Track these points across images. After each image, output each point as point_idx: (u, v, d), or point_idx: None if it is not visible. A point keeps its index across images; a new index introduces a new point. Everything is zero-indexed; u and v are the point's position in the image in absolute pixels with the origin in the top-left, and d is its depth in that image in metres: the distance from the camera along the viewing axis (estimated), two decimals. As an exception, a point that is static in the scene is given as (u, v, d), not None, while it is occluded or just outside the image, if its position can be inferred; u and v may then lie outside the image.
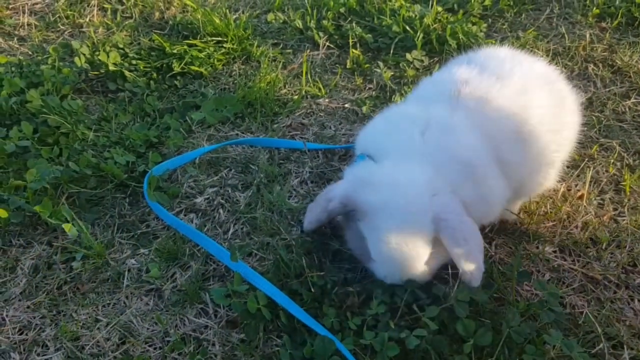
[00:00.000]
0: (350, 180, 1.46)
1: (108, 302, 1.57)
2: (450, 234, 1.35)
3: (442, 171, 1.41)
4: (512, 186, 1.55)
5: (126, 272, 1.63)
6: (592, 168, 1.97)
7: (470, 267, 1.36)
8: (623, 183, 1.92)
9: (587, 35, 2.61)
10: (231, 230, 1.76)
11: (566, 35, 2.63)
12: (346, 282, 1.58)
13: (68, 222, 1.64)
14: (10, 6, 2.86)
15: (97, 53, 2.34)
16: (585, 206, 1.85)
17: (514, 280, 1.55)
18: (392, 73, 2.40)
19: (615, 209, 1.85)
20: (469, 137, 1.47)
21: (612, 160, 2.01)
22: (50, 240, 1.72)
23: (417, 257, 1.39)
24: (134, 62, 2.34)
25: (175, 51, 2.37)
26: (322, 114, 2.24)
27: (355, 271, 1.60)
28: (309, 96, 2.31)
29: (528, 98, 1.59)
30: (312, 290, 1.52)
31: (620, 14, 2.70)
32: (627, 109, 2.24)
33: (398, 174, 1.40)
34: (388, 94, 2.32)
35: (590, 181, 1.92)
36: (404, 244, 1.36)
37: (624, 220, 1.80)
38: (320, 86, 2.33)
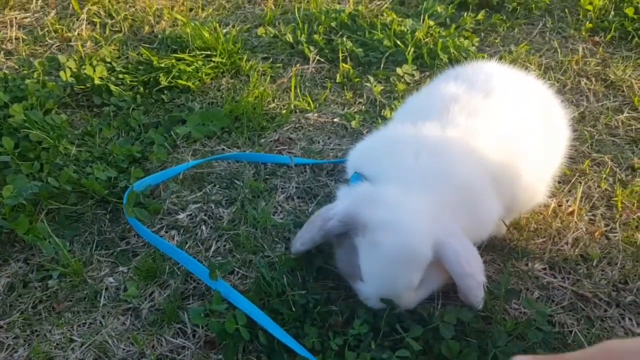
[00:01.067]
0: (352, 199, 1.42)
1: (84, 321, 1.53)
2: (453, 257, 1.33)
3: (439, 195, 1.39)
4: (504, 204, 1.52)
5: (103, 291, 1.59)
6: (583, 183, 1.93)
7: (474, 289, 1.37)
8: (615, 198, 1.88)
9: (580, 50, 2.59)
10: (213, 248, 1.72)
11: (559, 50, 2.61)
12: (329, 300, 1.53)
13: (45, 239, 1.60)
14: None
15: (83, 67, 2.32)
16: (576, 222, 1.81)
17: (501, 299, 1.51)
18: (383, 87, 2.38)
19: (606, 225, 1.81)
20: (461, 158, 1.45)
21: (604, 176, 1.97)
22: (27, 257, 1.68)
23: (409, 280, 1.35)
24: (120, 76, 2.32)
25: (162, 65, 2.35)
26: (310, 129, 2.21)
27: (339, 289, 1.56)
28: (297, 110, 2.28)
29: (518, 114, 1.58)
30: (294, 309, 1.48)
31: (613, 28, 2.69)
32: (619, 124, 2.21)
33: (401, 196, 1.37)
34: (378, 108, 2.29)
35: (582, 196, 1.88)
36: (400, 264, 1.33)
37: (615, 236, 1.76)
38: (310, 100, 2.30)
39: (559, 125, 1.72)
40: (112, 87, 2.24)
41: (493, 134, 1.51)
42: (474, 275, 1.37)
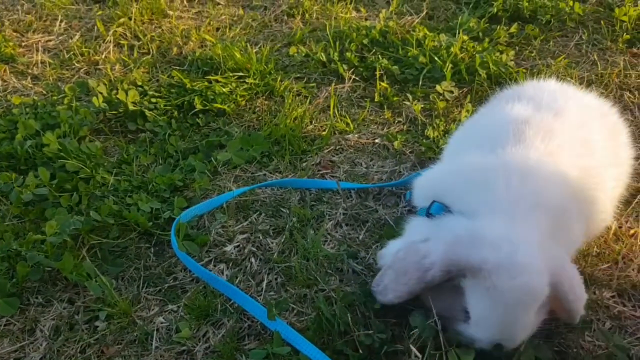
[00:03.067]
0: (450, 242, 1.31)
1: (136, 366, 1.44)
2: (568, 285, 1.29)
3: (539, 222, 1.32)
4: (583, 228, 1.47)
5: (155, 332, 1.51)
6: (642, 204, 1.85)
7: (582, 309, 1.35)
8: (677, 219, 1.80)
9: (620, 62, 2.52)
10: (265, 281, 1.64)
11: (598, 63, 2.54)
12: (394, 338, 1.45)
13: (91, 278, 1.52)
14: (23, 44, 2.80)
15: (114, 92, 2.25)
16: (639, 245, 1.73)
17: (577, 332, 1.43)
18: (422, 105, 2.30)
19: (671, 247, 1.73)
20: (550, 181, 1.40)
21: (661, 194, 1.89)
22: (72, 297, 1.60)
23: (530, 322, 1.28)
24: (153, 100, 2.25)
25: (196, 87, 2.28)
26: (351, 150, 2.14)
27: (402, 326, 1.47)
28: (336, 132, 2.21)
29: (587, 132, 1.55)
30: (360, 350, 1.39)
31: (651, 39, 2.63)
32: (670, 138, 2.14)
33: (508, 231, 1.28)
34: (419, 127, 2.22)
35: (641, 217, 1.80)
36: (521, 307, 1.24)
37: (683, 260, 1.68)
38: (348, 121, 2.23)
39: (624, 143, 1.69)
40: (147, 112, 2.17)
41: (569, 155, 1.47)
42: (584, 296, 1.34)
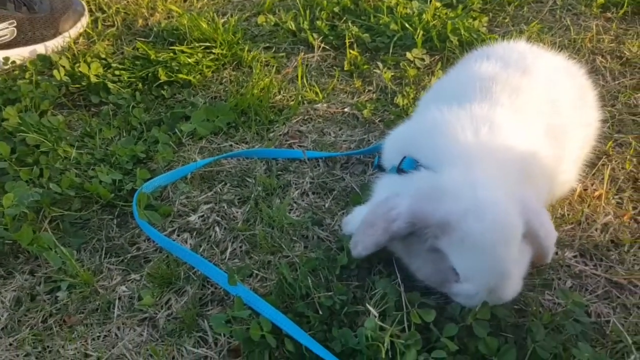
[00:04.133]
0: (416, 195, 1.30)
1: (98, 334, 1.44)
2: (538, 221, 1.29)
3: (505, 169, 1.32)
4: (547, 187, 1.49)
5: (117, 301, 1.50)
6: (608, 166, 1.86)
7: (553, 247, 1.37)
8: (642, 180, 1.81)
9: (593, 27, 2.51)
10: (229, 250, 1.63)
11: (571, 27, 2.52)
12: (356, 300, 1.46)
13: (51, 249, 1.51)
14: (-14, 19, 2.72)
15: (77, 65, 2.21)
16: (603, 206, 1.74)
17: (536, 290, 1.44)
18: (393, 73, 2.28)
19: (634, 208, 1.74)
20: (517, 134, 1.40)
21: (628, 156, 1.90)
22: (33, 269, 1.59)
23: (514, 256, 1.26)
24: (117, 72, 2.21)
25: (161, 59, 2.24)
26: (320, 120, 2.12)
27: (364, 288, 1.48)
28: (305, 101, 2.19)
29: (555, 92, 1.55)
30: (320, 312, 1.40)
31: (625, 3, 2.60)
32: (639, 102, 2.14)
33: (472, 178, 1.28)
34: (389, 95, 2.20)
35: (608, 179, 1.81)
36: (501, 244, 1.22)
37: (646, 219, 1.69)
38: (317, 90, 2.21)
39: (591, 105, 1.70)
40: (110, 85, 2.13)
41: (535, 113, 1.47)
42: (554, 233, 1.35)
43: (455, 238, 1.23)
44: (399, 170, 1.44)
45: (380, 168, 1.71)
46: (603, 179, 1.80)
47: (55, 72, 2.19)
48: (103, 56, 2.32)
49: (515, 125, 1.43)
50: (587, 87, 1.72)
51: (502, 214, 1.23)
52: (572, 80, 1.66)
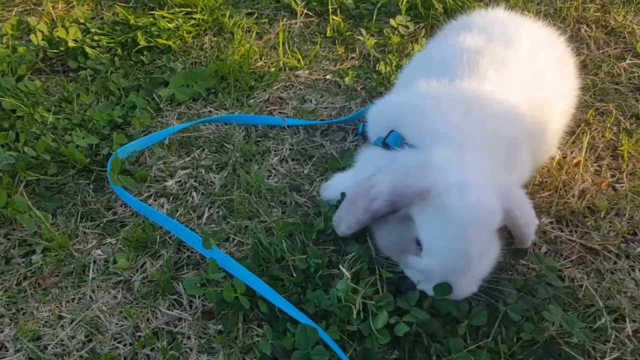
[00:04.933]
0: (398, 172, 1.27)
1: (72, 297, 1.45)
2: (519, 210, 1.29)
3: (492, 152, 1.30)
4: (532, 158, 1.49)
5: (91, 264, 1.50)
6: (588, 134, 1.86)
7: (533, 234, 1.37)
8: (620, 148, 1.81)
9: (579, -5, 2.48)
10: (206, 215, 1.63)
11: (557, -5, 2.49)
12: (331, 264, 1.46)
13: (25, 213, 1.50)
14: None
15: (55, 30, 2.17)
16: (582, 174, 1.74)
17: (510, 255, 1.45)
18: (376, 40, 2.25)
19: (612, 176, 1.75)
20: (506, 114, 1.39)
21: (608, 125, 1.90)
22: (8, 232, 1.58)
23: (483, 247, 1.23)
24: (96, 37, 2.17)
25: (140, 23, 2.19)
26: (301, 87, 2.10)
27: (340, 253, 1.49)
28: (287, 68, 2.16)
29: (538, 63, 1.54)
30: (294, 274, 1.41)
31: (612, -28, 2.57)
32: (622, 71, 2.13)
33: (463, 158, 1.25)
34: (372, 63, 2.18)
35: (587, 147, 1.81)
36: (474, 228, 1.19)
37: (622, 187, 1.70)
38: (299, 57, 2.18)
39: (571, 73, 1.69)
40: (88, 50, 2.10)
41: (521, 87, 1.46)
42: (535, 221, 1.36)
43: (432, 207, 1.20)
44: (385, 144, 1.42)
45: (364, 137, 1.70)
46: (582, 147, 1.80)
47: (32, 36, 2.15)
48: (82, 21, 2.27)
49: (502, 101, 1.41)
50: (567, 54, 1.71)
51: (485, 199, 1.21)
52: (552, 49, 1.64)
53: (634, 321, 1.38)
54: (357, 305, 1.29)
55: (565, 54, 1.71)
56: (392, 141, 1.39)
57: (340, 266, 1.36)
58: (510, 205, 1.26)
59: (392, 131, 1.39)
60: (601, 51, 2.22)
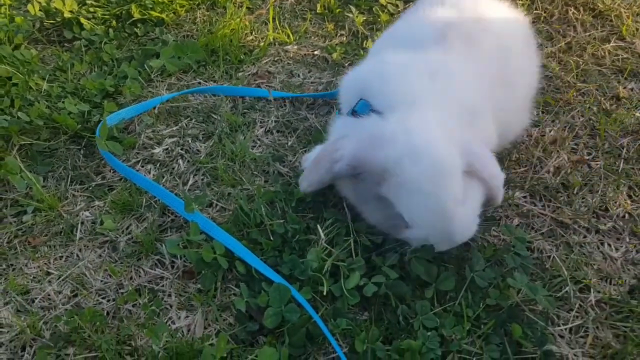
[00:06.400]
0: (360, 139, 1.32)
1: (60, 255, 1.52)
2: (481, 161, 1.31)
3: (453, 114, 1.33)
4: (498, 131, 1.51)
5: (79, 225, 1.57)
6: (567, 113, 1.90)
7: (501, 187, 1.38)
8: (598, 127, 1.85)
9: (569, -23, 2.50)
10: (190, 181, 1.69)
11: (547, -23, 2.51)
12: (308, 230, 1.52)
13: (17, 174, 1.56)
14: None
15: (52, 1, 2.21)
16: (558, 151, 1.79)
17: (484, 227, 1.50)
18: (365, 18, 2.29)
19: (589, 154, 1.79)
20: (470, 82, 1.42)
21: (588, 105, 1.94)
22: (1, 193, 1.65)
23: (454, 193, 1.25)
24: (91, 9, 2.22)
25: (135, -4, 2.24)
26: (290, 62, 2.14)
27: (318, 220, 1.55)
28: (277, 43, 2.21)
29: (507, 39, 1.57)
30: (272, 238, 1.47)
31: (604, -46, 2.58)
32: (606, 53, 2.16)
33: (411, 121, 1.28)
34: (360, 39, 2.22)
35: (565, 126, 1.86)
36: (440, 183, 1.22)
37: (597, 164, 1.75)
38: (289, 32, 2.22)
39: (534, 49, 1.73)
40: (83, 21, 2.15)
41: (489, 59, 1.50)
42: (501, 174, 1.38)
43: (395, 184, 1.25)
44: (354, 112, 1.47)
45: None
46: (561, 125, 1.84)
47: (30, 7, 2.20)
48: (78, -8, 2.32)
49: (465, 71, 1.44)
50: (530, 33, 1.74)
51: (437, 156, 1.24)
52: (520, 27, 1.69)
53: (599, 292, 1.43)
54: (326, 265, 1.35)
55: (528, 32, 1.74)
56: (359, 108, 1.44)
57: (318, 226, 1.42)
58: (470, 159, 1.29)
59: (360, 99, 1.44)
60: (587, 33, 2.25)
